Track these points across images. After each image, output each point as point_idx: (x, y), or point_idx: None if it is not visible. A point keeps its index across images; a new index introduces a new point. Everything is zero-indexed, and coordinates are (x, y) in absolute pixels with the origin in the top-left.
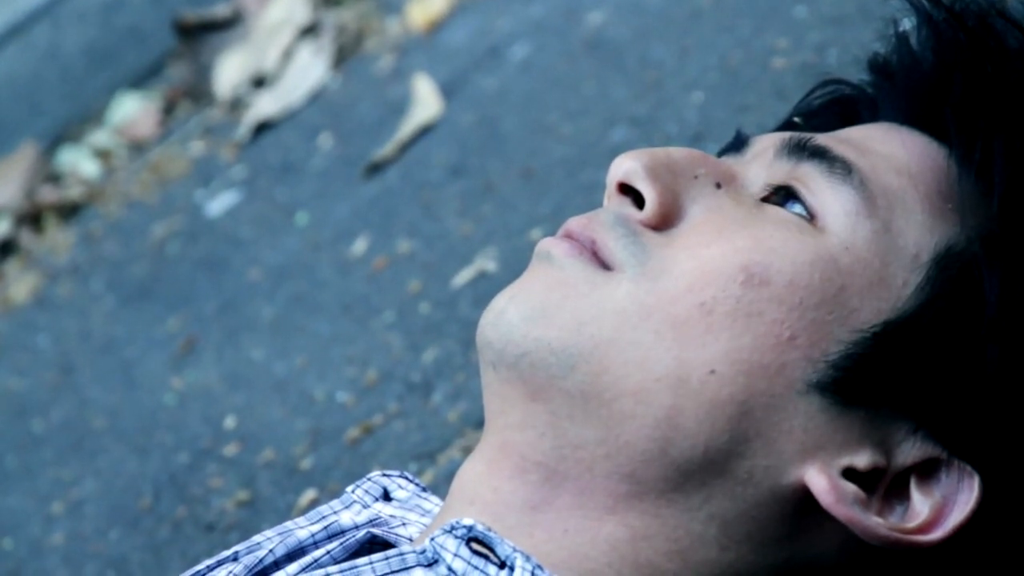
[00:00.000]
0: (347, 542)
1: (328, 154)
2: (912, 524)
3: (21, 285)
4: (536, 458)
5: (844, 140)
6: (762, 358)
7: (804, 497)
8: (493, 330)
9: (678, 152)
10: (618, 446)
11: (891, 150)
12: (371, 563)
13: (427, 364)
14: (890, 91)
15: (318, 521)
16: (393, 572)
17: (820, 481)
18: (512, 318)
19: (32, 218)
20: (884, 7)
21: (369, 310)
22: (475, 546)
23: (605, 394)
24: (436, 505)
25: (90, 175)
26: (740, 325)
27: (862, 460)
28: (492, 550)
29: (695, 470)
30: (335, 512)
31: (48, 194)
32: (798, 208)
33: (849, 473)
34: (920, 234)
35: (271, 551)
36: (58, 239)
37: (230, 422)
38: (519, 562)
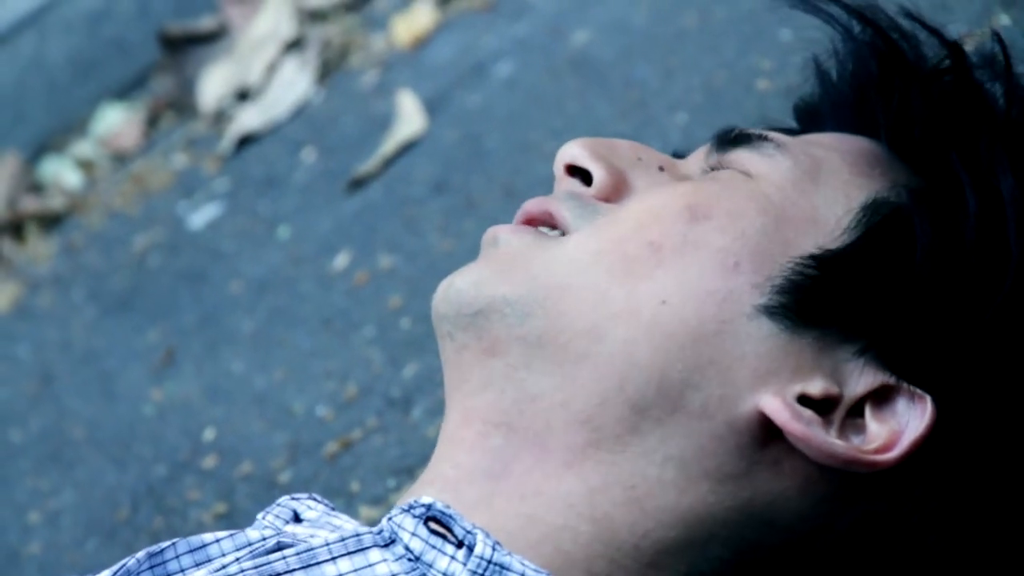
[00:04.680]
0: (256, 550)
1: (311, 168)
2: (870, 447)
3: (1, 295)
4: (496, 419)
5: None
6: (709, 285)
7: (760, 427)
8: (444, 302)
9: (620, 141)
10: (574, 390)
11: (816, 137)
12: (327, 544)
13: (407, 379)
14: (820, 124)
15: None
16: (349, 553)
17: (774, 403)
18: (462, 285)
19: (13, 227)
20: (865, 29)
21: (350, 325)
22: (433, 525)
23: (560, 337)
24: (347, 522)
25: (73, 185)
26: (688, 257)
27: (815, 387)
28: (450, 529)
29: (651, 406)
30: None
31: (30, 204)
32: None
33: (804, 401)
34: (848, 188)
35: (173, 545)
36: (39, 249)
37: (209, 434)
38: (480, 538)
